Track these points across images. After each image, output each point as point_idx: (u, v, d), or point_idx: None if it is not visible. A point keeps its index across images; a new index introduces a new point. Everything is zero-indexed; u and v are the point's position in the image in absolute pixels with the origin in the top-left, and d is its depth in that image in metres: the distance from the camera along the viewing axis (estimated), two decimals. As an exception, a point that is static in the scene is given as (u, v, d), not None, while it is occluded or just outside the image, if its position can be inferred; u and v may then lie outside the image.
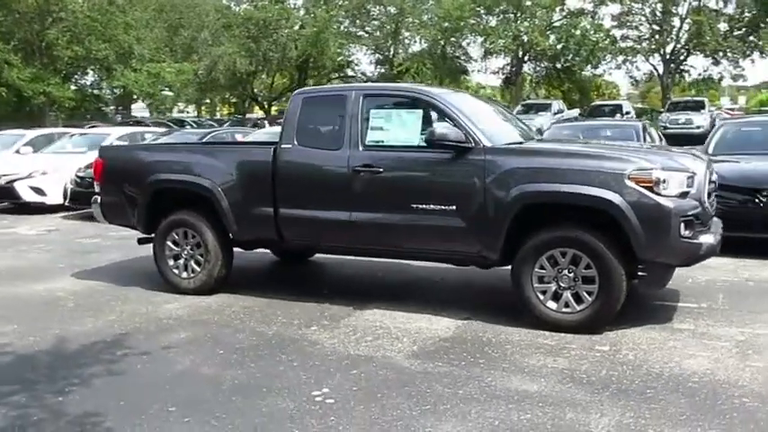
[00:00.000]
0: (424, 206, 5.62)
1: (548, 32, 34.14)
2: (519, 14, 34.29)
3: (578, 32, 34.27)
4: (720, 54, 32.07)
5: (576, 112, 31.22)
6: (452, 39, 36.82)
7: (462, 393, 4.16)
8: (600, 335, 5.14)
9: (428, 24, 35.50)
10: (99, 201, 7.22)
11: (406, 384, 4.32)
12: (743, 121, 11.64)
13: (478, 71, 40.01)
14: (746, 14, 30.32)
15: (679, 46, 33.45)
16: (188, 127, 27.79)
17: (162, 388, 4.38)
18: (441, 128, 5.48)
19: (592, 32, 34.04)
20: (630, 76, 35.20)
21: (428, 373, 4.50)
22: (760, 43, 31.91)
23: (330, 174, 6.05)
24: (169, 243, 6.78)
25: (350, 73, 45.29)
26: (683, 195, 5.05)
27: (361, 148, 5.89)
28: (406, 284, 7.11)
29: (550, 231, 5.24)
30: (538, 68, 39.34)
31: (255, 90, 46.46)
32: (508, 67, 39.39)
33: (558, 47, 34.96)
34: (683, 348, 4.85)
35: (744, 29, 31.41)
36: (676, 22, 33.09)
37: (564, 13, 36.32)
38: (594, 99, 36.50)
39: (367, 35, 39.45)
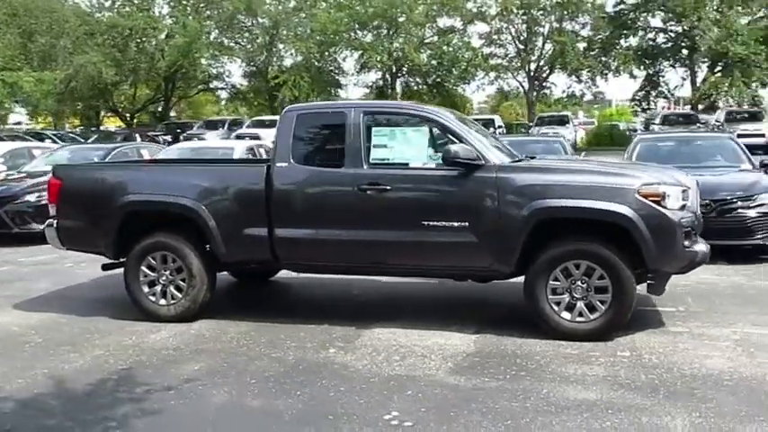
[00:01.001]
0: (434, 223, 5.68)
1: (421, 49, 35.23)
2: (393, 31, 35.14)
3: (451, 50, 35.69)
4: (581, 72, 34.70)
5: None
6: (328, 52, 36.99)
7: (531, 406, 4.26)
8: (611, 342, 5.44)
9: (303, 37, 35.43)
10: (55, 225, 6.61)
11: (470, 401, 4.35)
12: (659, 136, 12.73)
13: (354, 84, 40.19)
14: (600, 36, 33.07)
15: (542, 64, 35.79)
16: (47, 141, 25.84)
17: (217, 424, 4.12)
18: (456, 146, 5.58)
19: (464, 50, 35.58)
20: (502, 92, 37.12)
21: (482, 389, 4.56)
22: (613, 63, 34.94)
23: (333, 192, 5.96)
24: (144, 268, 6.34)
25: (220, 85, 44.24)
26: (682, 208, 5.47)
27: (365, 166, 5.85)
28: (391, 302, 7.11)
29: (565, 245, 5.48)
30: (409, 83, 40.45)
31: (116, 101, 44.05)
32: (380, 82, 40.21)
33: (433, 63, 36.17)
34: (694, 350, 5.24)
35: (598, 50, 34.25)
36: (540, 42, 35.44)
37: (434, 31, 37.67)
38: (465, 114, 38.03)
39: (239, 47, 38.70)
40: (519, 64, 36.22)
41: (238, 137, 31.18)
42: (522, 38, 35.90)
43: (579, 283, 5.46)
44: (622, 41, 34.97)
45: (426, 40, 37.28)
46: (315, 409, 4.30)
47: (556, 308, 5.51)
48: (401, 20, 35.04)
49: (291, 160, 6.03)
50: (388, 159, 5.92)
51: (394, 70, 37.44)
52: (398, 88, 40.23)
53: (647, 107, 40.21)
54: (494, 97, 46.55)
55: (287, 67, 38.03)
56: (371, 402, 4.38)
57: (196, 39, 35.67)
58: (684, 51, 34.41)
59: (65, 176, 6.65)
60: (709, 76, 33.12)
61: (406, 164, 5.89)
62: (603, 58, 34.81)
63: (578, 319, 5.49)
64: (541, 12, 34.71)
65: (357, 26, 35.46)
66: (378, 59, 34.49)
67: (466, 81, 37.65)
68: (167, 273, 6.30)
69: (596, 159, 8.11)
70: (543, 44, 35.69)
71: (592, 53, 34.00)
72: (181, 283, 6.28)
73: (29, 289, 7.92)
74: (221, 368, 5.10)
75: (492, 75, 36.73)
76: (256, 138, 30.00)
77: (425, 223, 5.70)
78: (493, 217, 5.55)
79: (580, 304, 5.47)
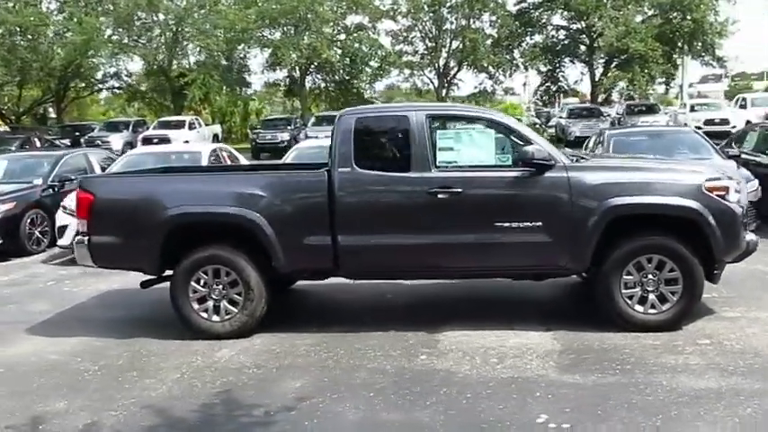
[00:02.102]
0: (507, 224, 5.74)
1: (332, 47, 35.07)
2: (303, 28, 34.75)
3: (363, 48, 35.74)
4: (491, 69, 35.80)
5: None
6: (238, 49, 36.01)
7: (665, 398, 4.41)
8: (681, 331, 5.70)
9: (210, 34, 34.31)
10: (86, 241, 6.11)
11: (604, 398, 4.45)
12: (629, 130, 13.35)
13: (266, 82, 39.21)
14: (505, 31, 34.26)
15: (452, 62, 36.60)
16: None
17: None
18: (531, 147, 5.66)
19: (376, 48, 35.70)
20: (416, 89, 37.63)
21: (604, 385, 4.67)
22: (521, 60, 36.30)
23: (402, 197, 5.88)
24: (194, 284, 6.00)
25: (116, 84, 42.01)
26: (737, 201, 5.82)
27: (433, 170, 5.81)
28: (434, 303, 7.06)
29: (638, 240, 5.68)
30: (317, 81, 40.15)
31: (-1, 103, 40.88)
32: (288, 80, 39.62)
33: (346, 61, 36.06)
34: (762, 334, 5.59)
35: (505, 47, 35.48)
36: (448, 39, 36.17)
37: (340, 28, 37.56)
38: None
39: (141, 44, 36.91)
40: (429, 61, 36.81)
41: (146, 139, 29.86)
42: (431, 35, 36.50)
43: (651, 276, 5.68)
44: (528, 39, 36.32)
45: (337, 38, 37.07)
46: (460, 419, 4.26)
47: (629, 301, 5.71)
48: (309, 17, 34.64)
49: (354, 165, 5.88)
50: (456, 162, 5.91)
51: (303, 68, 36.97)
52: (307, 86, 39.77)
53: (548, 101, 42.04)
54: (385, 94, 46.64)
55: (194, 66, 36.65)
56: (510, 407, 4.38)
57: (94, 36, 33.69)
58: (583, 48, 36.21)
59: (97, 189, 6.16)
60: (613, 72, 35.02)
61: (475, 166, 5.91)
62: (509, 56, 36.03)
63: (651, 311, 5.71)
64: (449, 10, 35.43)
65: (267, 23, 34.72)
66: (289, 56, 33.96)
67: (379, 79, 37.85)
68: (220, 287, 6.00)
69: (658, 158, 8.21)
70: (451, 42, 36.49)
71: (499, 50, 35.10)
72: (236, 296, 5.99)
73: (28, 312, 7.32)
74: (324, 383, 4.93)
75: (407, 72, 37.08)
76: (166, 140, 28.84)
77: (498, 224, 5.74)
78: (566, 216, 5.67)
79: (652, 296, 5.70)
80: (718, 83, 54.51)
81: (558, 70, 38.61)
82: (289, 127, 31.88)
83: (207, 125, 34.48)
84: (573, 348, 5.43)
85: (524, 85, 41.53)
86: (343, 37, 37.26)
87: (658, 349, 5.31)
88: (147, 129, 33.05)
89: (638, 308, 5.71)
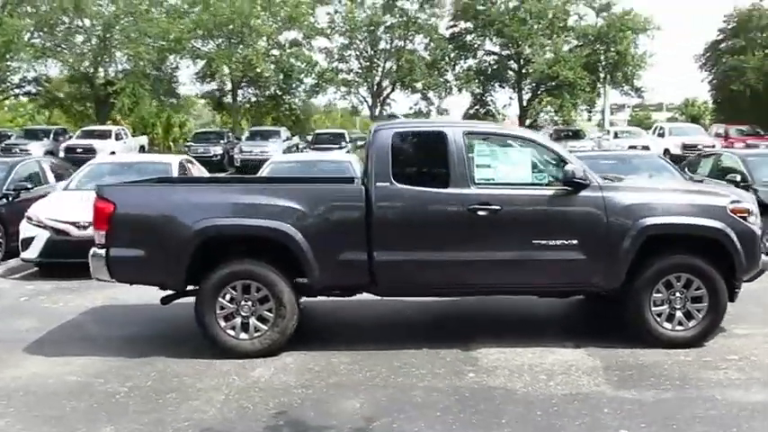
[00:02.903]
0: (544, 242, 5.81)
1: (268, 62, 34.70)
2: (238, 41, 34.23)
3: (299, 63, 35.58)
4: (426, 90, 36.38)
5: (296, 139, 32.27)
6: (169, 59, 35.03)
7: (730, 412, 4.56)
8: (704, 347, 5.91)
9: (140, 42, 33.20)
10: (105, 254, 5.76)
11: (673, 413, 4.56)
12: (599, 154, 13.82)
13: (196, 95, 38.20)
14: (439, 54, 34.97)
15: (385, 81, 37.01)
16: None
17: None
18: (572, 166, 5.77)
19: (311, 64, 35.60)
20: (353, 107, 37.71)
21: (665, 401, 4.78)
22: (454, 83, 37.09)
23: (441, 213, 5.85)
24: (222, 300, 5.75)
25: (33, 90, 39.94)
26: (756, 223, 6.12)
27: (472, 187, 5.83)
28: (452, 320, 7.01)
29: (669, 259, 5.86)
30: (247, 95, 39.60)
31: None
32: (218, 93, 38.92)
33: (280, 76, 35.76)
34: (780, 348, 5.89)
35: (440, 69, 36.19)
36: (383, 60, 36.55)
37: (274, 42, 37.25)
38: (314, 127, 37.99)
39: (64, 50, 35.26)
40: (363, 79, 37.09)
41: (69, 149, 28.46)
42: (366, 55, 36.80)
43: (678, 294, 5.89)
44: (462, 62, 37.24)
45: (271, 53, 36.75)
46: (543, 435, 4.26)
47: (658, 319, 5.88)
48: (245, 30, 34.20)
49: (393, 180, 5.82)
50: (493, 179, 5.96)
51: (236, 81, 36.40)
52: (239, 98, 39.15)
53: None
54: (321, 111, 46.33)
55: (123, 74, 35.33)
56: (587, 424, 4.42)
57: (14, 38, 31.99)
58: (511, 73, 37.46)
59: (118, 198, 5.81)
60: (544, 97, 36.36)
61: (512, 184, 5.96)
62: (443, 78, 36.82)
63: (678, 327, 5.90)
64: (385, 30, 35.82)
65: (201, 34, 34.01)
66: (222, 69, 33.36)
67: (315, 95, 37.73)
68: (248, 303, 5.77)
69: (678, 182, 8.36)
70: (385, 62, 36.90)
71: (434, 72, 35.79)
72: (266, 313, 5.78)
73: (14, 330, 6.80)
74: (384, 403, 4.82)
75: (343, 89, 37.17)
76: (91, 150, 27.55)
77: (535, 242, 5.81)
78: (601, 234, 5.80)
79: (679, 314, 5.90)
80: (621, 112, 57.61)
81: (486, 94, 39.76)
82: (221, 141, 31.20)
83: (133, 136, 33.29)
84: (613, 365, 5.52)
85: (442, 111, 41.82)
86: (277, 52, 36.98)
87: (693, 365, 5.49)
88: (70, 138, 31.50)
89: (667, 325, 5.90)
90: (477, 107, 40.12)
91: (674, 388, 5.02)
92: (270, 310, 5.78)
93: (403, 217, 5.85)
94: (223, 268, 5.75)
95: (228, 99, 39.52)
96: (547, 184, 5.97)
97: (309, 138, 30.68)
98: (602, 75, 34.59)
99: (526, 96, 37.36)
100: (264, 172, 11.03)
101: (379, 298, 6.47)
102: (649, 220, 5.79)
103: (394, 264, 5.80)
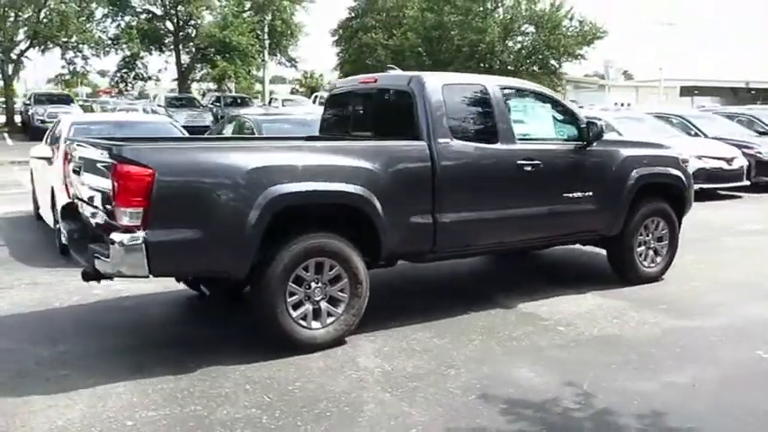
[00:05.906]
0: (571, 195, 6.09)
1: None
2: None
3: None
4: (82, 47, 31.59)
5: None
6: None
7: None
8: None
9: None
10: (142, 240, 4.17)
11: (747, 330, 5.30)
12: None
13: None
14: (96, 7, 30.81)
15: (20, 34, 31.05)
16: None
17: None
18: (601, 123, 6.10)
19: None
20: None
21: (720, 327, 5.42)
22: (116, 40, 33.01)
23: (496, 170, 5.67)
24: (292, 285, 4.71)
25: None
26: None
27: (516, 142, 5.77)
28: (463, 283, 6.89)
29: (650, 205, 6.61)
30: None
31: None
32: None
33: None
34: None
35: (97, 24, 31.92)
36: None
37: None
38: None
39: None
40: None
41: None
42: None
43: (651, 235, 6.73)
44: (120, 19, 33.50)
45: None
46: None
47: (640, 258, 6.66)
48: None
49: (452, 136, 5.41)
50: (530, 135, 5.98)
51: None
52: None
53: (125, 89, 39.62)
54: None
55: None
56: (695, 349, 4.93)
57: None
58: (170, 37, 35.21)
59: (159, 163, 4.22)
60: (218, 62, 34.85)
61: (543, 139, 6.06)
62: (103, 35, 32.68)
63: (651, 264, 6.76)
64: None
65: None
66: None
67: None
68: (319, 284, 4.84)
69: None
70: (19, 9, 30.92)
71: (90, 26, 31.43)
72: (340, 294, 4.91)
73: None
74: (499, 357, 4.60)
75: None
76: None
77: (566, 195, 6.04)
78: (609, 185, 6.30)
79: (651, 252, 6.76)
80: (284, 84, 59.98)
81: (135, 57, 36.72)
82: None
83: None
84: (638, 302, 6.07)
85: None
86: None
87: (689, 294, 6.39)
88: None
89: (644, 263, 6.71)
90: (125, 71, 36.72)
91: (702, 316, 5.67)
92: (343, 290, 4.92)
93: (466, 176, 5.50)
94: (294, 244, 4.68)
95: None
96: (566, 140, 6.20)
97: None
98: (267, 42, 34.82)
99: (187, 60, 35.57)
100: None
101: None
102: (642, 171, 6.48)
103: (453, 225, 5.41)
